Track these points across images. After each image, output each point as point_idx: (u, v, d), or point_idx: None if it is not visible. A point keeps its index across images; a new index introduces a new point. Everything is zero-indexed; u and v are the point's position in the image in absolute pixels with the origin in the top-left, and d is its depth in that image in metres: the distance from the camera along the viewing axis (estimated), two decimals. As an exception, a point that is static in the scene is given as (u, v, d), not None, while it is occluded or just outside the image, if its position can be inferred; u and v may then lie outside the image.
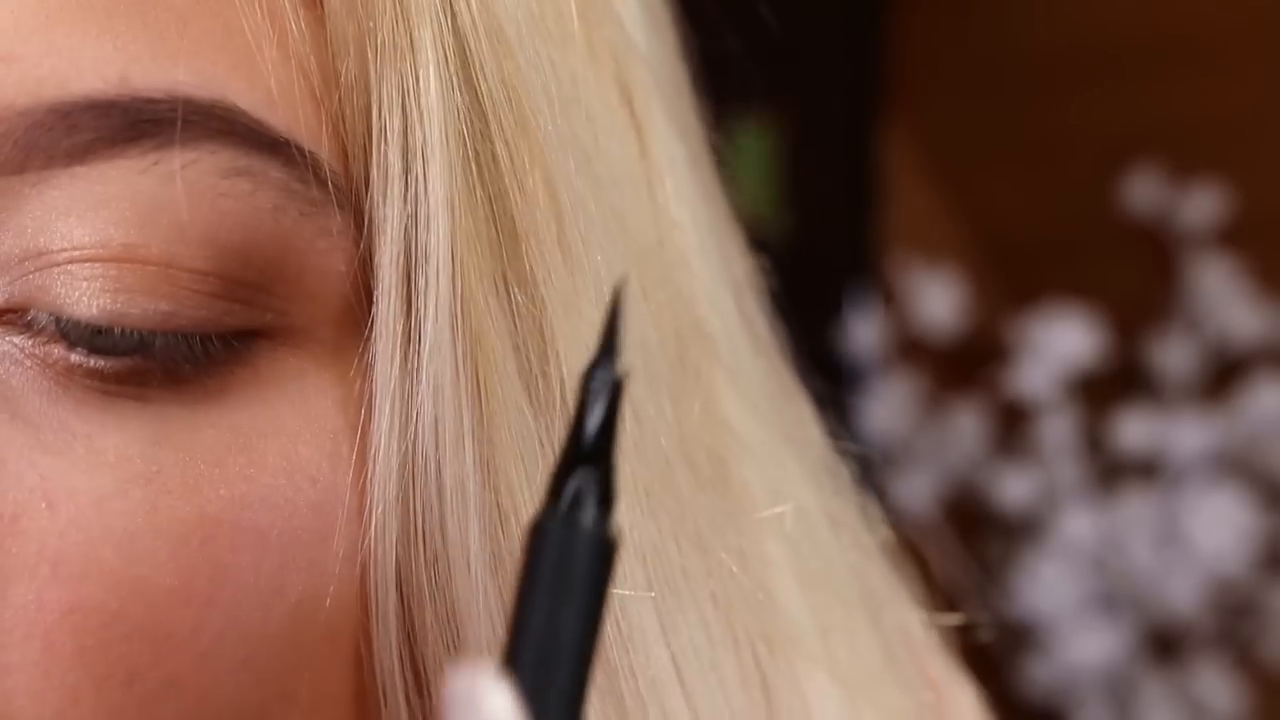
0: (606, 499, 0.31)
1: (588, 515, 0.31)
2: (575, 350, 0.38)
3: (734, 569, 0.40)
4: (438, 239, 0.36)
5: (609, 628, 0.38)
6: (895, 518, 0.47)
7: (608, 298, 0.37)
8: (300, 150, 0.36)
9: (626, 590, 0.38)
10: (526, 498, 0.37)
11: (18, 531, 0.34)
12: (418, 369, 0.37)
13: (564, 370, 0.38)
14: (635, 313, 0.40)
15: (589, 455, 0.31)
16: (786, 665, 0.41)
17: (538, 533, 0.31)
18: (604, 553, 0.31)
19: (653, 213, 0.41)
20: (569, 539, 0.31)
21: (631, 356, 0.38)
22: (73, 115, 0.34)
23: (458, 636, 0.37)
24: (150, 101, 0.35)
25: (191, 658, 0.35)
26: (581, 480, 0.31)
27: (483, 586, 0.37)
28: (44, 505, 0.34)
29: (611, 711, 0.38)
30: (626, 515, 0.38)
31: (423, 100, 0.36)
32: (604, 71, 0.40)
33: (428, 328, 0.36)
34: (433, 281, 0.36)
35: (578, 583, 0.31)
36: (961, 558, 1.55)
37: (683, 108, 0.44)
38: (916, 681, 0.44)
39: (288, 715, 0.37)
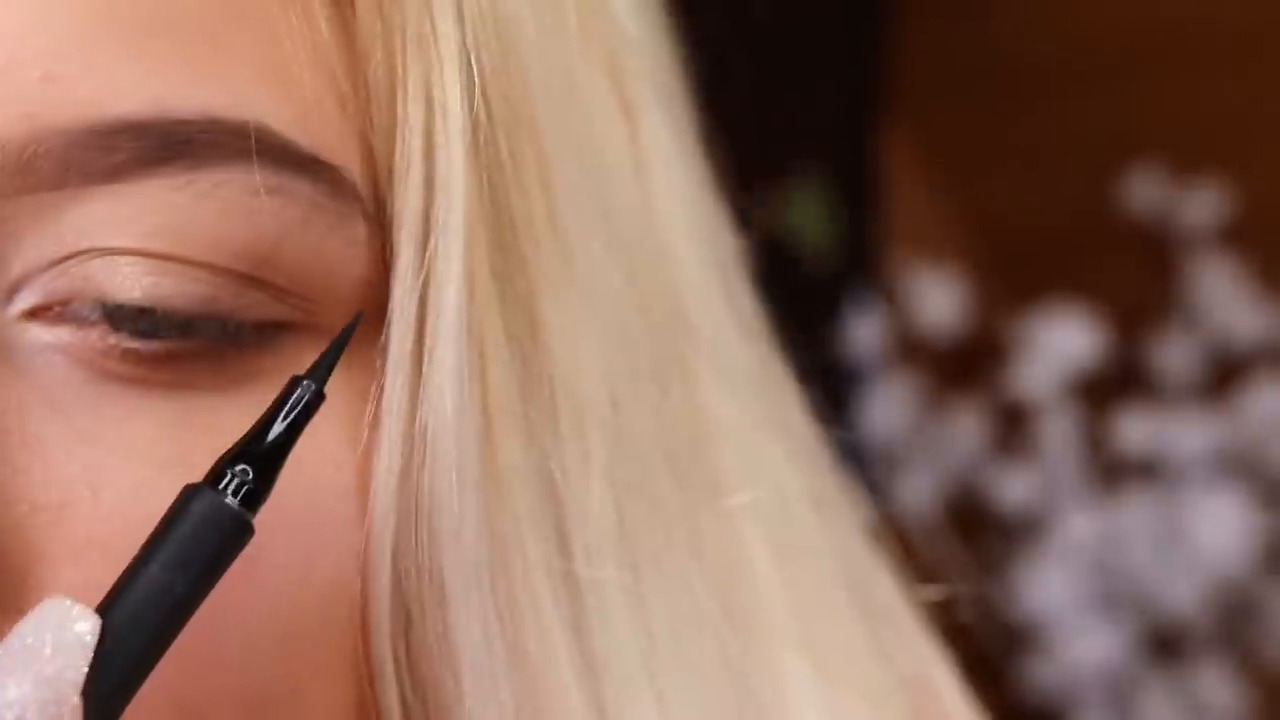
0: (259, 497, 0.35)
1: (233, 499, 0.35)
2: (563, 341, 0.39)
3: (708, 552, 0.41)
4: (454, 224, 0.38)
5: (580, 607, 0.39)
6: (895, 517, 0.48)
7: (596, 286, 0.38)
8: (328, 165, 0.37)
9: (600, 573, 0.39)
10: (519, 478, 0.39)
11: (64, 518, 0.36)
12: (429, 356, 0.38)
13: (551, 362, 0.39)
14: (620, 300, 0.41)
15: (262, 453, 0.35)
16: (761, 647, 0.41)
17: (185, 498, 0.34)
18: (236, 537, 0.35)
19: (641, 200, 0.42)
20: (213, 514, 0.34)
21: (615, 342, 0.40)
22: (110, 136, 0.35)
23: (448, 634, 0.38)
24: (184, 123, 0.36)
25: (235, 634, 0.36)
26: (243, 473, 0.35)
27: (474, 556, 0.38)
28: (88, 493, 0.36)
29: (582, 692, 0.39)
30: (601, 499, 0.39)
31: (446, 87, 0.38)
32: (595, 59, 0.41)
33: (440, 317, 0.38)
34: (447, 268, 0.38)
35: (202, 553, 0.34)
36: (961, 558, 1.55)
37: (672, 92, 0.45)
38: (899, 659, 0.45)
39: (318, 688, 0.38)
